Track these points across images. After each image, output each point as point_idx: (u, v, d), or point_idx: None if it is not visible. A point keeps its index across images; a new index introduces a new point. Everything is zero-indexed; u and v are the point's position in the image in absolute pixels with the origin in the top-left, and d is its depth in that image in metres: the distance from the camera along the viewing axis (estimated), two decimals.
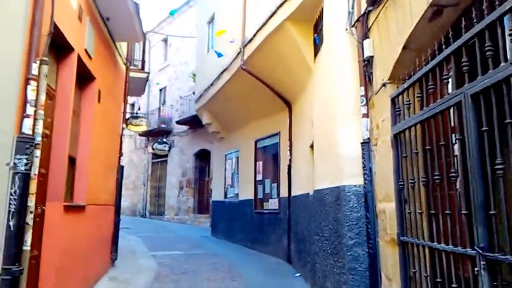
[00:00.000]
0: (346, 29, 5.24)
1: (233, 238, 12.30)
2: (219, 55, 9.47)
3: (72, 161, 5.36)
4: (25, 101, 3.48)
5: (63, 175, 4.36)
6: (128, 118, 12.73)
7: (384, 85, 4.41)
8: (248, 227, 11.34)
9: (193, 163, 19.45)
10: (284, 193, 9.47)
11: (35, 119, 3.58)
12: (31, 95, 3.52)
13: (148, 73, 10.10)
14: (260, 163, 11.15)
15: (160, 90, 22.82)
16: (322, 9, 6.16)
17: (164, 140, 20.49)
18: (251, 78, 9.42)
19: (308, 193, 7.30)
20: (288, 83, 8.70)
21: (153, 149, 20.20)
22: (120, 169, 8.52)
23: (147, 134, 22.28)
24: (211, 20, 12.47)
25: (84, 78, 5.36)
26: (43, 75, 3.61)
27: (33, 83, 3.52)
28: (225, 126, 13.28)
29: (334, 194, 5.28)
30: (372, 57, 4.84)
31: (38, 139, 3.61)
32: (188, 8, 19.89)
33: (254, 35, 8.50)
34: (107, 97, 6.58)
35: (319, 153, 6.39)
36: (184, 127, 19.82)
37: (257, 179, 11.18)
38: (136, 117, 12.60)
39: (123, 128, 8.58)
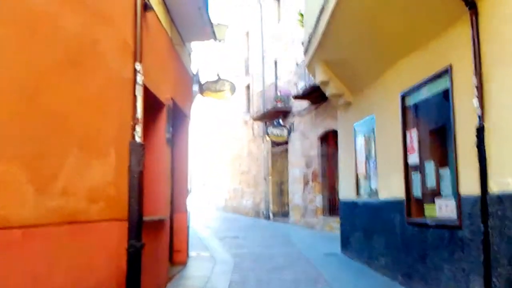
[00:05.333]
0: None
1: (373, 261, 7.45)
2: None
3: None
4: None
5: None
6: (204, 83, 8.72)
7: None
8: (398, 247, 6.41)
9: (318, 149, 14.83)
10: (469, 188, 4.46)
11: None
12: None
13: None
14: (413, 134, 6.16)
15: (275, 62, 18.60)
16: None
17: (281, 122, 16.14)
18: None
19: None
20: None
21: (267, 134, 16.01)
22: (135, 149, 4.42)
23: (263, 117, 18.35)
24: None
25: None
26: None
27: None
28: (350, 82, 8.40)
29: None
30: None
31: None
32: None
33: None
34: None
35: None
36: (305, 104, 15.31)
37: (410, 162, 6.21)
38: (215, 82, 8.56)
39: (136, 75, 4.48)
